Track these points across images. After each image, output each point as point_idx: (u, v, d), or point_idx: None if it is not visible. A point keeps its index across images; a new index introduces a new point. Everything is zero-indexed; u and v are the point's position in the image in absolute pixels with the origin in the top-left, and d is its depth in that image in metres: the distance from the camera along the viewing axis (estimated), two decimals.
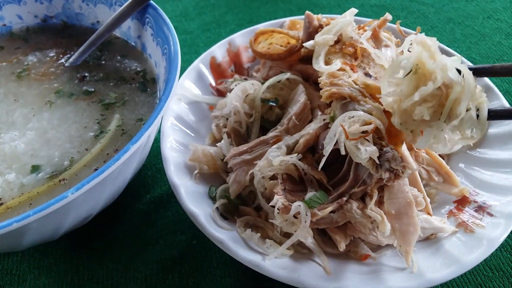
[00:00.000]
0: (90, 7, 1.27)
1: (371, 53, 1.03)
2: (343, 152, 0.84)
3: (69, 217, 0.86)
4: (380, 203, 0.89)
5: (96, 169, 0.92)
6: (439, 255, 0.88)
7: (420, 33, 1.21)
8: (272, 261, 0.86)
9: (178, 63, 0.97)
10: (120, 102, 1.07)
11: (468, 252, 0.86)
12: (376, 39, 1.13)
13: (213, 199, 0.99)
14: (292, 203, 0.86)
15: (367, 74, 0.98)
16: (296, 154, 0.93)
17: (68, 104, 1.07)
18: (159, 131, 1.12)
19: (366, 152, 0.80)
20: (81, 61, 1.18)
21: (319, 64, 0.98)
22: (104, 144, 0.97)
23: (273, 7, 1.79)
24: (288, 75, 1.10)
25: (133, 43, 1.23)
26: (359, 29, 1.11)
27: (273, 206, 0.87)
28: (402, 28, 1.26)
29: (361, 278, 0.84)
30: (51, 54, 1.22)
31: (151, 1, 1.13)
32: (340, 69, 0.94)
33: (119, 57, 1.20)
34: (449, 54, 1.25)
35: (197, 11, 1.79)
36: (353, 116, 0.85)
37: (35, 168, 0.93)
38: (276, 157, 0.92)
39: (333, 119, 0.93)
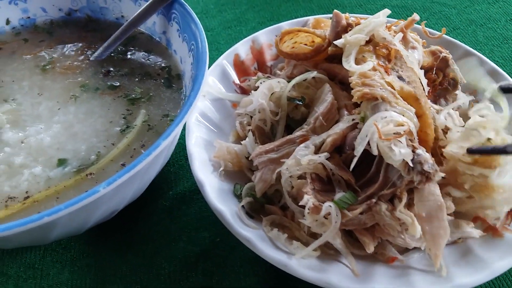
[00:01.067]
0: (115, 2, 1.26)
1: (403, 56, 1.02)
2: (375, 153, 0.83)
3: (97, 212, 0.86)
4: (409, 205, 0.88)
5: (123, 164, 0.92)
6: (468, 260, 0.88)
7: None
8: (299, 261, 0.85)
9: (206, 60, 0.97)
10: (146, 97, 1.07)
11: (498, 258, 0.85)
12: (403, 39, 1.12)
13: (238, 197, 0.99)
14: (322, 203, 0.85)
15: (400, 78, 0.97)
16: (324, 154, 0.92)
17: (93, 98, 1.06)
18: (183, 127, 1.11)
19: (400, 154, 0.79)
20: (106, 55, 1.18)
21: (349, 64, 0.97)
22: (130, 139, 0.97)
23: (294, 5, 1.78)
24: (314, 73, 1.09)
25: (157, 39, 1.23)
26: (387, 29, 1.10)
27: (302, 206, 0.87)
28: (427, 29, 1.25)
29: (389, 280, 0.84)
30: (76, 48, 1.21)
31: None
32: (372, 69, 0.93)
33: (143, 53, 1.20)
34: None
35: (217, 9, 1.78)
36: (386, 117, 0.84)
37: (61, 162, 0.93)
38: (305, 156, 0.91)
39: (363, 119, 0.92)
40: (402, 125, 0.83)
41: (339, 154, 0.97)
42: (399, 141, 0.81)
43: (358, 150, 0.85)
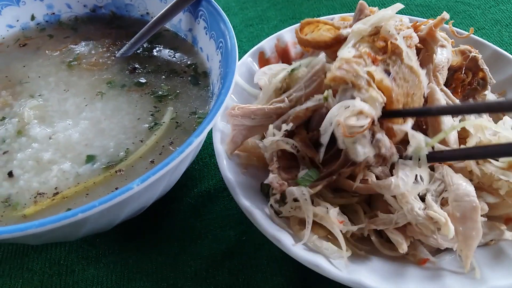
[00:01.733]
0: None
1: (402, 52, 1.00)
2: (341, 147, 0.85)
3: (126, 209, 0.85)
4: (442, 205, 0.87)
5: (152, 161, 0.92)
6: (501, 262, 0.86)
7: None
8: (330, 261, 0.84)
9: (236, 58, 0.96)
10: (173, 94, 1.06)
11: None
12: (432, 38, 1.10)
13: (266, 195, 0.98)
14: (286, 181, 0.90)
15: (386, 71, 0.95)
16: (281, 133, 0.94)
17: (120, 95, 1.06)
18: None
19: (363, 154, 0.82)
20: (132, 52, 1.17)
21: (342, 50, 0.96)
22: (159, 136, 0.96)
23: (316, 3, 1.77)
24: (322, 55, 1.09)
25: (183, 36, 1.22)
26: (414, 27, 1.08)
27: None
28: (454, 29, 1.23)
29: (422, 282, 0.82)
30: (101, 45, 1.21)
31: None
32: (357, 56, 0.92)
33: (169, 50, 1.20)
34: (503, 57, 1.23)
35: (239, 6, 1.78)
36: (349, 106, 0.84)
37: (90, 158, 0.93)
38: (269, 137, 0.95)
39: (326, 99, 0.93)
40: (365, 115, 0.83)
41: (307, 131, 0.98)
42: (364, 135, 0.82)
43: (324, 139, 0.87)
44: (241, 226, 1.05)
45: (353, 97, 0.87)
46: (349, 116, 0.83)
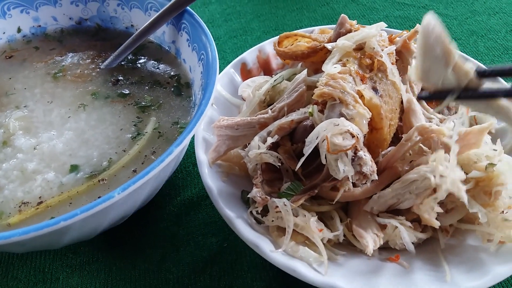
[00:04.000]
0: (125, 11, 1.29)
1: (387, 69, 1.05)
2: (323, 162, 0.88)
3: (109, 217, 0.88)
4: None
5: (134, 171, 0.94)
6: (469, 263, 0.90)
7: None
8: (306, 265, 0.87)
9: (216, 69, 0.99)
10: (156, 105, 1.09)
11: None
12: (407, 50, 1.15)
13: (246, 202, 1.01)
14: (269, 194, 0.94)
15: (374, 89, 0.99)
16: (265, 146, 0.97)
17: (104, 106, 1.09)
18: None
19: (343, 172, 0.85)
20: (116, 64, 1.20)
21: (327, 65, 1.00)
22: (141, 146, 0.99)
23: (298, 15, 1.82)
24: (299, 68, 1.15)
25: (167, 48, 1.25)
26: (390, 39, 1.12)
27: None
28: None
29: (394, 279, 0.87)
30: (86, 56, 1.24)
31: (188, 7, 1.15)
32: (348, 74, 0.95)
33: (153, 61, 1.23)
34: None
35: (223, 18, 1.81)
36: (338, 124, 0.87)
37: (74, 168, 0.95)
38: (253, 149, 0.98)
39: (311, 114, 0.96)
40: (352, 135, 0.86)
41: (292, 143, 1.02)
42: (345, 154, 0.85)
43: (307, 150, 0.89)
44: (223, 233, 1.08)
45: (341, 114, 0.90)
46: (336, 134, 0.86)
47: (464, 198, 0.84)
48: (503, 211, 0.91)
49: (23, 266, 1.04)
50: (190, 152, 1.26)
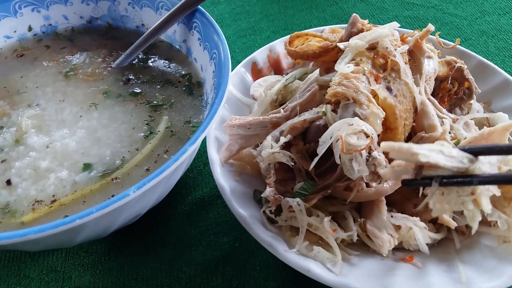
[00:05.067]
0: (135, 10, 1.29)
1: (400, 69, 1.04)
2: (337, 161, 0.87)
3: (122, 215, 0.87)
4: None
5: (147, 169, 0.94)
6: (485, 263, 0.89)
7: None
8: (320, 265, 0.87)
9: (229, 68, 0.99)
10: (167, 104, 1.09)
11: None
12: (419, 50, 1.14)
13: (259, 202, 1.00)
14: (282, 194, 0.93)
15: (388, 88, 0.99)
16: (278, 145, 0.97)
17: (116, 105, 1.09)
18: None
19: (357, 172, 0.84)
20: (127, 63, 1.20)
21: (340, 65, 1.00)
22: (154, 144, 0.99)
23: (307, 15, 1.81)
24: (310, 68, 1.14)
25: (178, 47, 1.25)
26: (402, 39, 1.12)
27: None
28: (441, 40, 1.27)
29: (408, 280, 0.86)
30: (97, 55, 1.24)
31: (199, 6, 1.15)
32: (362, 74, 0.95)
33: (164, 61, 1.22)
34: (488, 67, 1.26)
35: (232, 18, 1.82)
36: (352, 124, 0.86)
37: (87, 166, 0.95)
38: (266, 149, 0.98)
39: (325, 113, 0.96)
40: (366, 135, 0.86)
41: (304, 143, 1.01)
42: (360, 154, 0.84)
43: (321, 150, 0.89)
44: (235, 233, 1.08)
45: (355, 113, 0.90)
46: (350, 133, 0.86)
47: (489, 209, 0.75)
48: None
49: (35, 265, 1.04)
50: (201, 152, 1.25)
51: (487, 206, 0.73)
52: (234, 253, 1.05)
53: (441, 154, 0.73)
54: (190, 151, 0.82)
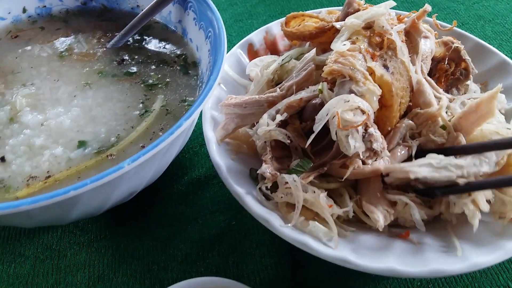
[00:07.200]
0: None
1: (396, 47, 1.04)
2: (334, 138, 0.87)
3: (117, 191, 0.87)
4: None
5: (143, 146, 0.94)
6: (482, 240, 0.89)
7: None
8: (316, 239, 0.86)
9: (224, 45, 0.99)
10: (163, 83, 1.09)
11: None
12: (415, 30, 1.13)
13: (255, 180, 1.00)
14: (279, 171, 0.93)
15: (385, 66, 0.99)
16: (274, 123, 0.97)
17: (111, 84, 1.08)
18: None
19: (354, 148, 0.85)
20: (123, 43, 1.19)
21: (336, 43, 0.99)
22: (149, 122, 0.99)
23: None
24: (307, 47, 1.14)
25: (173, 28, 1.24)
26: (398, 19, 1.11)
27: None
28: (438, 22, 1.26)
29: (404, 256, 0.85)
30: (91, 36, 1.23)
31: None
32: (352, 50, 0.95)
33: (159, 41, 1.22)
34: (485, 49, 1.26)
35: (228, 2, 1.81)
36: (349, 101, 0.86)
37: (82, 144, 0.95)
38: (262, 126, 0.98)
39: (321, 91, 0.96)
40: (363, 111, 0.86)
41: (300, 122, 1.01)
42: (356, 130, 0.85)
43: (317, 127, 0.89)
44: (231, 212, 1.08)
45: (351, 90, 0.90)
46: (347, 110, 0.86)
47: (486, 209, 0.88)
48: None
49: (30, 244, 1.04)
50: (197, 133, 1.25)
51: (484, 206, 0.86)
52: (230, 231, 1.04)
53: (430, 167, 0.87)
54: (186, 125, 0.82)
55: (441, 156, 0.89)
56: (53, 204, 0.71)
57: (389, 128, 0.99)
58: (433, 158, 0.88)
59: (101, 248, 1.02)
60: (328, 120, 0.88)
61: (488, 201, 0.90)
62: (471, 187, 0.86)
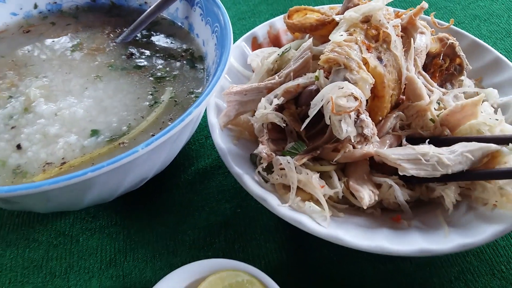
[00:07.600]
0: None
1: (391, 41, 1.08)
2: (327, 122, 0.93)
3: (129, 176, 0.91)
4: None
5: (153, 135, 0.98)
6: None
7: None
8: (311, 219, 0.92)
9: (230, 37, 1.03)
10: (171, 76, 1.13)
11: None
12: (412, 26, 1.18)
13: (255, 164, 1.04)
14: (274, 152, 0.99)
15: (379, 58, 1.03)
16: (271, 107, 1.02)
17: (121, 77, 1.12)
18: None
19: (346, 132, 0.90)
20: (131, 38, 1.24)
21: (334, 34, 1.04)
22: (159, 113, 1.03)
23: None
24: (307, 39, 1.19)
25: (180, 24, 1.29)
26: (396, 15, 1.16)
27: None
28: (436, 20, 1.31)
29: (392, 237, 0.91)
30: (101, 32, 1.28)
31: None
32: (354, 43, 0.99)
33: (166, 37, 1.26)
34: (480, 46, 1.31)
35: (232, 1, 1.86)
36: (343, 87, 0.91)
37: (94, 132, 0.99)
38: (260, 109, 1.03)
39: (317, 78, 1.01)
40: (355, 98, 0.91)
41: (296, 107, 1.07)
42: (349, 116, 0.89)
43: (312, 112, 0.94)
44: (236, 200, 1.12)
45: (345, 78, 0.95)
46: (341, 96, 0.91)
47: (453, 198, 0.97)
48: None
49: (43, 230, 1.08)
50: (203, 126, 1.29)
51: (451, 195, 0.97)
52: (236, 218, 1.09)
53: (418, 165, 0.94)
54: (196, 113, 0.86)
55: (431, 151, 0.94)
56: (71, 185, 0.75)
57: (380, 118, 1.04)
58: (423, 154, 0.94)
59: (112, 233, 1.07)
60: (322, 106, 0.93)
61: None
62: (447, 179, 0.96)
